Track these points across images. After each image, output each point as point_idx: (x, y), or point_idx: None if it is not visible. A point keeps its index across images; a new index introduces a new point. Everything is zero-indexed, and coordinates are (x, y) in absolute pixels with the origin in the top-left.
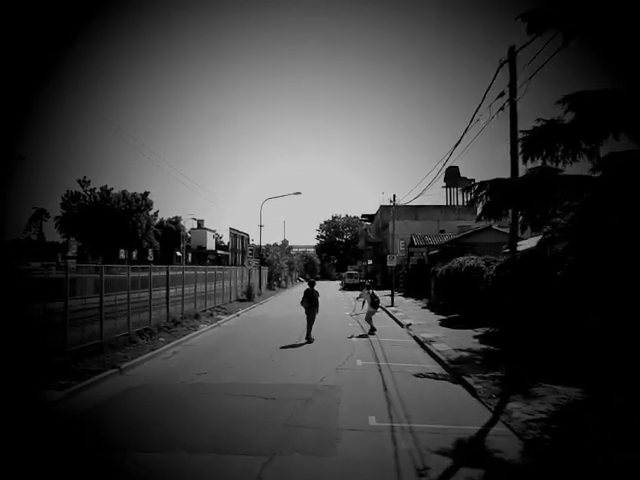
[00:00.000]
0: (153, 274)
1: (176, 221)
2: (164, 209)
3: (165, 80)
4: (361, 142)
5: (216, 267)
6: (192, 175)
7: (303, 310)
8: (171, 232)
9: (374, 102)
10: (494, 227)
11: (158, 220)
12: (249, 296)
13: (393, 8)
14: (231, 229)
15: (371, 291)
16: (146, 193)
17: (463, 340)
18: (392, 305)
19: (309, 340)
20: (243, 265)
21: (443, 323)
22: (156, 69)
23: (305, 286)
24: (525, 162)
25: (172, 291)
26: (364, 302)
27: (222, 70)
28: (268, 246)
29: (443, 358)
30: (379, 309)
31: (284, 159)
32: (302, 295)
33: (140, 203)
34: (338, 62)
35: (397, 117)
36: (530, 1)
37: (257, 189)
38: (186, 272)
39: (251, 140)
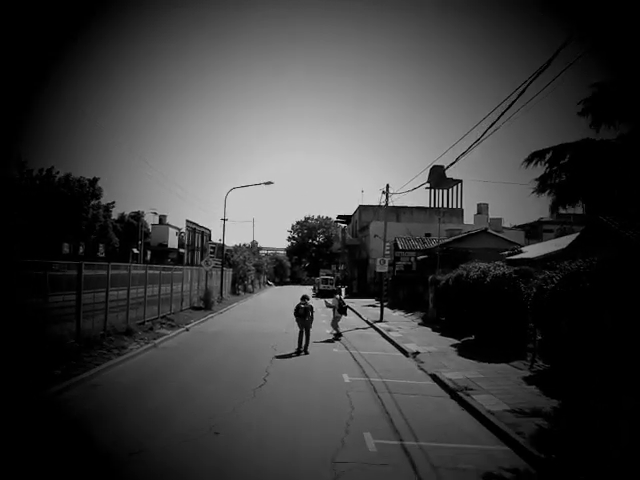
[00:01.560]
0: (56, 272)
1: (138, 216)
2: (136, 206)
3: (163, 80)
4: (340, 142)
5: (161, 266)
6: (166, 173)
7: (274, 322)
8: (132, 227)
9: (355, 103)
10: (489, 231)
11: (118, 214)
12: (206, 303)
13: (393, 8)
14: (188, 222)
15: (338, 296)
16: (95, 179)
17: (511, 386)
18: (381, 320)
19: (304, 352)
20: (201, 265)
21: (461, 351)
22: (155, 69)
23: (274, 290)
24: (598, 128)
25: (89, 296)
26: (334, 310)
27: (212, 68)
28: (236, 247)
29: (510, 433)
30: (348, 316)
31: (258, 158)
32: (272, 303)
33: (86, 190)
34: (324, 59)
35: (378, 118)
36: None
37: (229, 187)
38: (114, 271)
39: (230, 139)
